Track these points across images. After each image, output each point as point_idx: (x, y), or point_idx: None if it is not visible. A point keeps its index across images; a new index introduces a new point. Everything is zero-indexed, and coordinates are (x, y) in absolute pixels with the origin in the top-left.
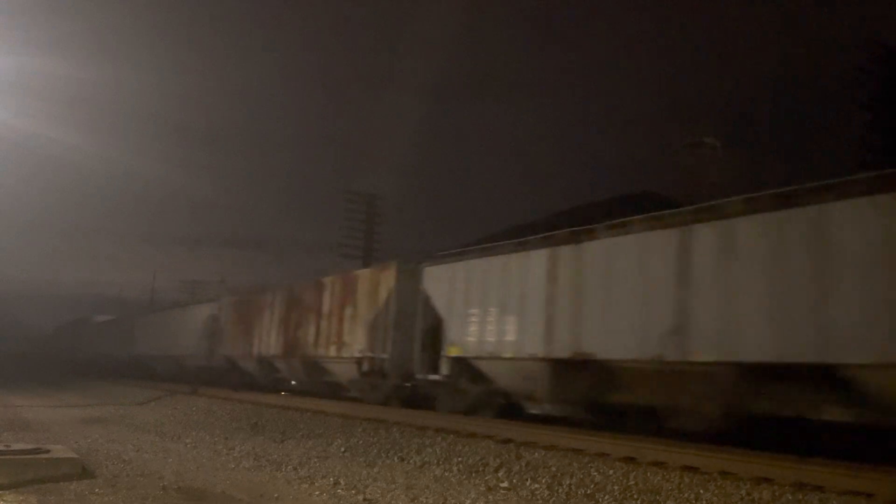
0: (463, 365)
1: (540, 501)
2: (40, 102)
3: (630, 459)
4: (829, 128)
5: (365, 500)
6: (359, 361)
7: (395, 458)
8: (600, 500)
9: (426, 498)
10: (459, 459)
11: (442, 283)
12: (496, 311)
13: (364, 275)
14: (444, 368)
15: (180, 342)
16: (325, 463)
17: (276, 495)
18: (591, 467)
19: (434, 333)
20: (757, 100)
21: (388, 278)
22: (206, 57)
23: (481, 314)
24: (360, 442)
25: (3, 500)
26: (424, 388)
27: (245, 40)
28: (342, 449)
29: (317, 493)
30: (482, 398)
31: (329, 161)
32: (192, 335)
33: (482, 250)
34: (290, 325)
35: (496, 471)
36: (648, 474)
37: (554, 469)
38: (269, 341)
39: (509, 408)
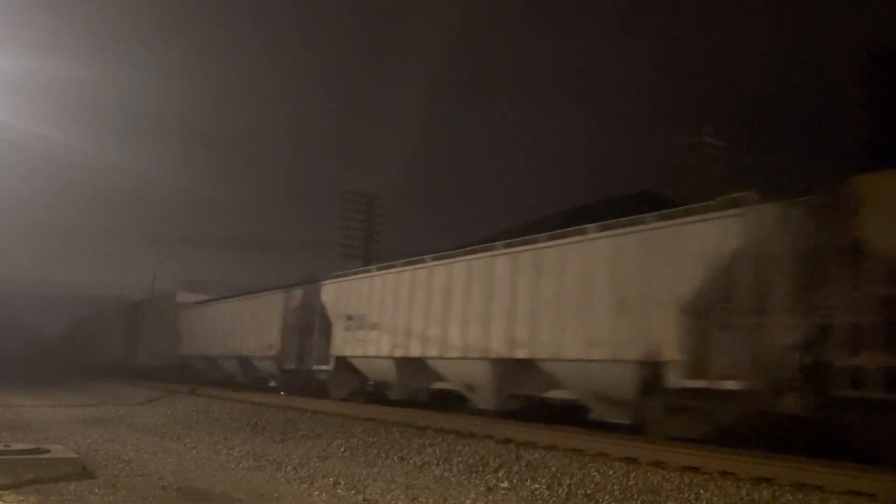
0: None
1: (540, 501)
2: (40, 102)
3: (630, 459)
4: (828, 128)
5: (365, 500)
6: None
7: (395, 458)
8: (600, 500)
9: (426, 498)
10: (459, 459)
11: None
12: None
13: None
14: None
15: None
16: (325, 463)
17: (275, 495)
18: (591, 467)
19: None
20: (757, 100)
21: None
22: (206, 57)
23: None
24: (360, 442)
25: (3, 500)
26: None
27: (245, 40)
28: (342, 449)
29: (317, 493)
30: None
31: (329, 161)
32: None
33: None
34: None
35: (496, 471)
36: (648, 474)
37: (554, 469)
38: None
39: None
